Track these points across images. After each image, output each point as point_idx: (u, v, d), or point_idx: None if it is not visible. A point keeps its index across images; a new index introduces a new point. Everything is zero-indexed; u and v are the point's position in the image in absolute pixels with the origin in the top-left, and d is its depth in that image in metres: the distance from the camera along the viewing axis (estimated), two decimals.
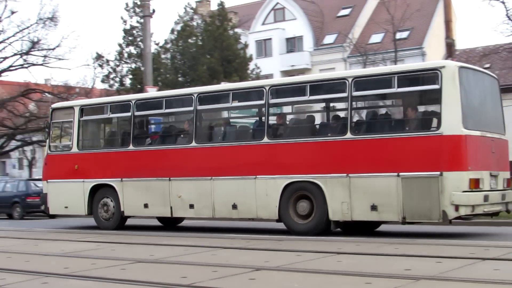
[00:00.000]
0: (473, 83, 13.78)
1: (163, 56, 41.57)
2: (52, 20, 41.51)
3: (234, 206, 15.13)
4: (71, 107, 18.53)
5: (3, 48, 42.05)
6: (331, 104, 15.53)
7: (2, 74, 43.54)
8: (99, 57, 42.26)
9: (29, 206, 26.59)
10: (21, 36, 41.74)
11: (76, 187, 17.89)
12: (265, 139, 14.70)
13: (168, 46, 42.20)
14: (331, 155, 13.93)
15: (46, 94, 44.35)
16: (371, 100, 15.19)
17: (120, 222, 17.40)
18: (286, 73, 57.77)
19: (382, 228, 16.03)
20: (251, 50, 53.04)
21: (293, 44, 59.19)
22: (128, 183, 17.02)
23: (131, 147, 17.00)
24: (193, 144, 15.80)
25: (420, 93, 13.92)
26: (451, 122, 12.66)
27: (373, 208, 13.34)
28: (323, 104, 15.77)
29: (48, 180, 18.56)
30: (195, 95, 15.89)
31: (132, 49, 41.62)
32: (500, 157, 13.99)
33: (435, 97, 13.04)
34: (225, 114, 17.23)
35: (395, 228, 16.14)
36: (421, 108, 14.04)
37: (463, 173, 12.56)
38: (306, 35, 58.04)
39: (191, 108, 15.96)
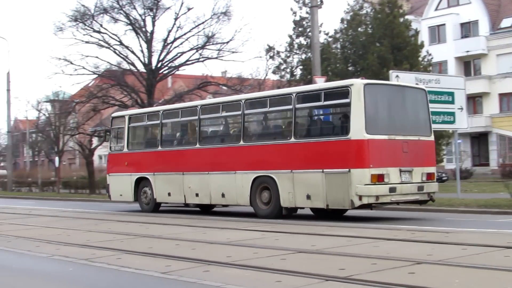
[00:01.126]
0: (381, 96, 16.68)
1: (332, 46, 41.45)
2: (225, 14, 42.57)
3: (223, 195, 18.89)
4: (123, 116, 23.16)
5: (181, 44, 43.71)
6: (281, 114, 18.66)
7: (180, 68, 45.33)
8: (270, 49, 42.85)
9: None
10: (197, 31, 43.17)
11: (126, 179, 22.35)
12: (241, 142, 18.43)
13: (338, 35, 42.03)
14: (281, 155, 17.35)
15: (222, 86, 45.58)
16: (308, 111, 17.68)
17: (155, 207, 21.47)
18: (460, 59, 55.77)
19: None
20: (424, 37, 51.66)
21: (468, 29, 56.93)
22: (158, 176, 21.29)
23: (159, 148, 21.38)
24: (197, 146, 19.96)
25: (338, 106, 16.99)
26: (356, 129, 15.60)
27: (308, 197, 16.53)
28: (277, 114, 18.88)
29: (109, 174, 23.45)
30: (199, 107, 20.24)
31: (302, 40, 41.88)
32: (415, 155, 16.56)
33: (347, 109, 15.98)
34: (216, 122, 20.89)
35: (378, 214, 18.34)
36: (339, 118, 16.86)
37: (365, 170, 15.49)
38: (482, 19, 55.57)
39: (196, 117, 20.20)
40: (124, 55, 43.69)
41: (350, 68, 40.43)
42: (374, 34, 38.67)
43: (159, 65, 43.64)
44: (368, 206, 16.02)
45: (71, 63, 43.03)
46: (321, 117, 17.86)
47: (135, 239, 12.44)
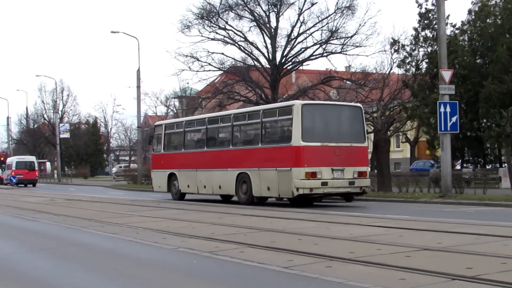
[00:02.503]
0: (318, 113, 22.69)
1: (459, 38, 40.15)
2: (349, 8, 42.18)
3: (220, 187, 24.93)
4: (162, 125, 29.69)
5: (304, 39, 43.69)
6: (254, 126, 24.10)
7: (304, 63, 45.29)
8: (395, 42, 42.02)
9: None
10: (321, 26, 43.06)
11: (162, 174, 28.59)
12: (230, 147, 24.57)
13: (465, 27, 40.67)
14: (253, 157, 23.29)
15: (345, 81, 45.16)
16: (269, 123, 23.42)
17: (180, 196, 27.56)
18: None
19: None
20: None
21: None
22: (182, 172, 27.48)
23: (183, 150, 27.65)
24: (205, 149, 26.21)
25: (286, 120, 22.33)
26: (295, 138, 21.41)
27: (268, 189, 22.39)
28: (252, 126, 24.26)
29: (152, 170, 30.66)
30: (206, 119, 26.55)
31: (427, 32, 40.79)
32: (347, 157, 22.06)
33: (291, 122, 21.74)
34: (215, 131, 26.31)
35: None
36: (286, 129, 22.38)
37: (301, 169, 21.23)
38: None
39: (204, 127, 26.47)
40: (248, 51, 44.22)
41: (478, 61, 39.05)
42: (504, 25, 37.08)
43: (283, 60, 43.82)
44: (306, 197, 22.02)
45: (198, 60, 44.00)
46: (277, 128, 23.38)
47: (258, 233, 12.47)
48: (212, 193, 25.67)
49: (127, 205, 23.06)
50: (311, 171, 21.27)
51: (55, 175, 77.61)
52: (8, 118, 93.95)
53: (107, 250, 11.09)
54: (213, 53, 43.84)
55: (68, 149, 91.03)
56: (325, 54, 43.14)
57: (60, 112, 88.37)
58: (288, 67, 45.27)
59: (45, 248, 11.74)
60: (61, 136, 76.53)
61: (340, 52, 42.89)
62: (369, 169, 24.14)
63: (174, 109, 69.88)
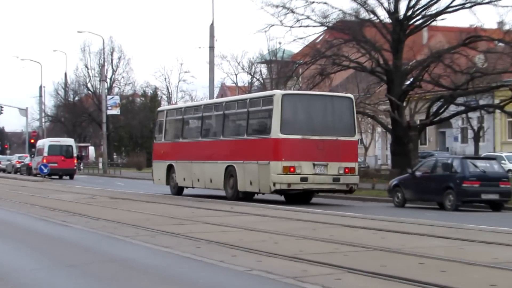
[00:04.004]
0: (300, 104, 27.46)
1: None
2: None
3: (211, 181, 30.11)
4: (163, 110, 35.92)
5: None
6: (241, 116, 29.09)
7: (438, 18, 44.49)
8: None
9: (465, 194, 26.46)
10: None
11: (162, 165, 33.90)
12: (221, 137, 29.80)
13: None
14: (239, 149, 28.22)
15: (497, 42, 44.10)
16: (254, 114, 28.30)
17: (178, 191, 32.92)
18: None
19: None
20: None
21: None
22: (179, 164, 32.44)
23: (180, 140, 33.09)
24: (200, 139, 31.54)
25: (267, 111, 26.97)
26: (274, 130, 25.91)
27: (251, 183, 27.07)
28: (240, 116, 29.23)
29: (153, 160, 36.42)
30: (202, 106, 32.64)
31: None
32: (331, 152, 26.43)
33: (271, 113, 26.30)
34: (210, 119, 31.98)
35: None
36: (268, 121, 26.89)
37: (278, 162, 25.66)
38: None
39: (200, 115, 32.03)
40: (361, 1, 43.72)
41: None
42: None
43: (409, 13, 43.22)
44: (283, 192, 26.86)
45: (292, 11, 43.90)
46: (260, 119, 28.25)
47: (364, 253, 12.34)
48: (205, 187, 31.21)
49: (190, 207, 23.22)
50: (289, 165, 25.86)
51: (100, 164, 78.16)
52: (41, 87, 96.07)
53: (155, 270, 11.09)
54: (313, 2, 43.56)
55: (118, 130, 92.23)
56: (468, 4, 42.23)
57: (108, 81, 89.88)
58: (417, 23, 44.58)
59: (74, 264, 11.86)
60: (109, 112, 77.23)
61: (489, 3, 41.89)
62: (358, 165, 28.91)
63: (261, 78, 70.00)
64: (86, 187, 39.98)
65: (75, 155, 62.58)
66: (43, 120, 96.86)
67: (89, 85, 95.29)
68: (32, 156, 66.35)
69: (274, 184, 25.64)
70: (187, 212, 21.00)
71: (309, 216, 19.94)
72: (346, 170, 26.67)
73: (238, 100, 30.75)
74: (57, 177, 58.89)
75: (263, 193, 28.09)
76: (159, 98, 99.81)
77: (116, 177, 63.95)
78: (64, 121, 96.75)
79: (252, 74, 71.51)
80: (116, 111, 79.85)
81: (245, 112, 28.25)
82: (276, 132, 25.83)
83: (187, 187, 32.87)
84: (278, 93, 27.06)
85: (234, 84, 77.81)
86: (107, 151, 77.84)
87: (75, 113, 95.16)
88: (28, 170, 66.27)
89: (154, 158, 36.46)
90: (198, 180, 30.95)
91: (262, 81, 67.71)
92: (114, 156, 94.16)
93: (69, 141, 64.80)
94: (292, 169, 25.68)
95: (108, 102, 76.76)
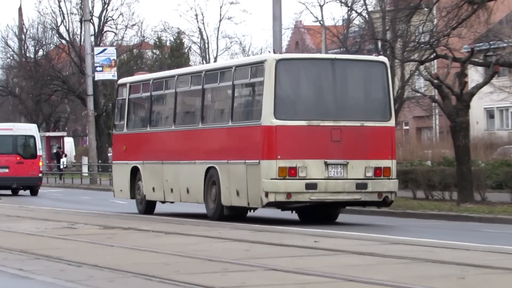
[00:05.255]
0: (304, 74, 21.17)
1: None
2: None
3: (187, 190, 23.77)
4: (125, 84, 27.61)
5: None
6: (225, 92, 23.18)
7: None
8: None
9: None
10: None
11: (124, 169, 26.61)
12: (200, 125, 23.45)
13: None
14: (222, 142, 22.72)
15: None
16: (240, 89, 22.41)
17: (146, 207, 25.48)
18: None
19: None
20: None
21: None
22: (146, 166, 25.21)
23: (148, 129, 25.70)
24: (172, 127, 24.75)
25: (258, 85, 21.16)
26: (266, 114, 20.08)
27: (237, 194, 21.04)
28: (223, 92, 23.24)
29: (113, 162, 30.73)
30: (176, 78, 24.87)
31: None
32: (354, 144, 20.42)
33: (261, 89, 20.68)
34: (185, 98, 25.23)
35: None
36: (258, 99, 21.34)
37: (272, 162, 19.80)
38: None
39: (173, 91, 24.55)
40: None
41: None
42: None
43: None
44: (281, 206, 20.66)
45: None
46: (249, 97, 22.09)
47: None
48: (180, 200, 24.32)
49: (243, 241, 16.32)
50: (288, 165, 19.88)
51: (85, 167, 58.78)
52: None
53: None
54: None
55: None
56: None
57: (96, 21, 60.40)
58: None
59: None
60: (99, 76, 53.57)
61: None
62: (395, 163, 21.49)
63: (365, 11, 47.36)
64: (60, 209, 29.49)
65: (39, 152, 43.72)
66: None
67: (62, 29, 61.78)
68: None
69: (266, 195, 19.54)
70: (239, 251, 16.92)
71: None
72: (377, 171, 20.34)
73: (220, 69, 23.89)
74: (9, 192, 42.12)
75: (254, 209, 21.81)
76: (185, 50, 70.48)
77: (111, 191, 42.58)
78: (19, 94, 67.37)
79: (350, 4, 48.73)
80: (110, 74, 53.19)
81: (230, 87, 22.07)
82: (268, 117, 19.82)
83: (159, 201, 25.49)
84: (270, 57, 20.64)
85: (318, 23, 55.76)
86: (95, 144, 54.11)
87: (39, 79, 63.89)
88: None
89: (114, 157, 29.00)
90: (172, 190, 23.93)
91: (367, 16, 46.88)
92: (109, 154, 58.19)
93: (29, 129, 44.93)
94: (292, 171, 19.71)
95: (96, 58, 52.55)
